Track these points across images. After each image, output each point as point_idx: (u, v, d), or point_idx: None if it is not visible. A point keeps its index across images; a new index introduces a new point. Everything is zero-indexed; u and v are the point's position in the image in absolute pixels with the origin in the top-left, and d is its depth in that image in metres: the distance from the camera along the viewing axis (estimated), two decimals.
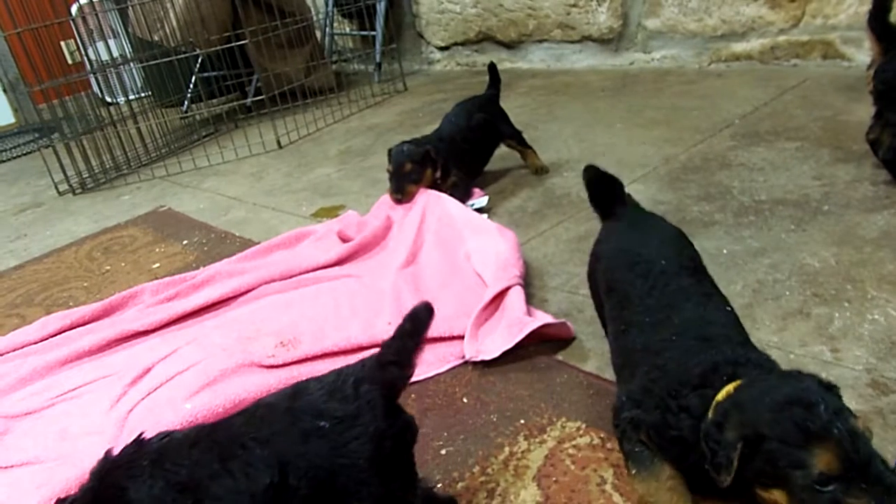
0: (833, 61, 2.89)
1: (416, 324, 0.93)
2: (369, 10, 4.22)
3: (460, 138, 2.23)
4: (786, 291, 1.44)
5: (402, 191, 2.05)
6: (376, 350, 0.94)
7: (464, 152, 2.22)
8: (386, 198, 2.11)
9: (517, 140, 2.39)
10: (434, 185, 2.13)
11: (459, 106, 2.35)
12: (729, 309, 1.04)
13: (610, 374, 1.20)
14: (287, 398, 0.90)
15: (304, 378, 1.35)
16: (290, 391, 0.92)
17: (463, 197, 2.16)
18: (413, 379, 1.35)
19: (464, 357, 1.42)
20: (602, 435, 1.14)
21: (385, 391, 0.89)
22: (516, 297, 1.50)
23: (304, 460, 0.83)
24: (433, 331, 1.49)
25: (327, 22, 4.67)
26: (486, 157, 2.38)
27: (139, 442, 0.88)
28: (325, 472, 0.83)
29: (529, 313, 1.45)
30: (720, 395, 0.82)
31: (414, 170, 2.05)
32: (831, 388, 0.80)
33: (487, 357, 1.38)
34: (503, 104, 2.43)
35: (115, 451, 0.88)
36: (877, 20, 1.75)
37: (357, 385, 0.88)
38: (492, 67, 2.41)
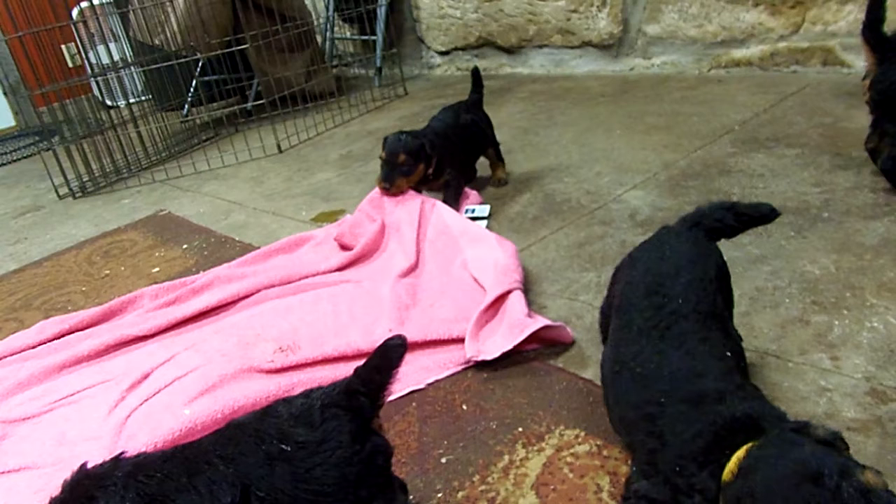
0: (833, 68, 2.90)
1: (385, 360, 0.91)
2: (370, 15, 4.23)
3: (451, 134, 2.23)
4: (785, 299, 1.44)
5: (391, 181, 2.02)
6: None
7: (455, 149, 2.21)
8: (374, 194, 2.07)
9: (496, 150, 2.39)
10: (425, 182, 2.12)
11: (446, 109, 2.36)
12: (729, 353, 1.01)
13: None
14: (256, 419, 0.90)
15: (303, 384, 1.37)
16: (260, 412, 0.92)
17: (455, 196, 2.15)
18: (414, 386, 1.37)
19: (463, 363, 1.42)
20: (599, 442, 1.14)
21: (352, 417, 0.88)
22: (517, 300, 1.51)
23: (267, 483, 0.83)
24: (432, 333, 1.50)
25: (328, 26, 4.68)
26: (474, 159, 2.39)
27: (117, 458, 0.89)
28: (288, 496, 0.83)
29: (530, 316, 1.45)
30: (726, 475, 0.81)
31: (407, 162, 2.02)
32: (833, 443, 0.78)
33: (488, 357, 1.38)
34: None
35: (90, 465, 0.89)
36: (871, 30, 1.74)
37: (323, 410, 0.88)
38: (475, 72, 2.42)
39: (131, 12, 3.71)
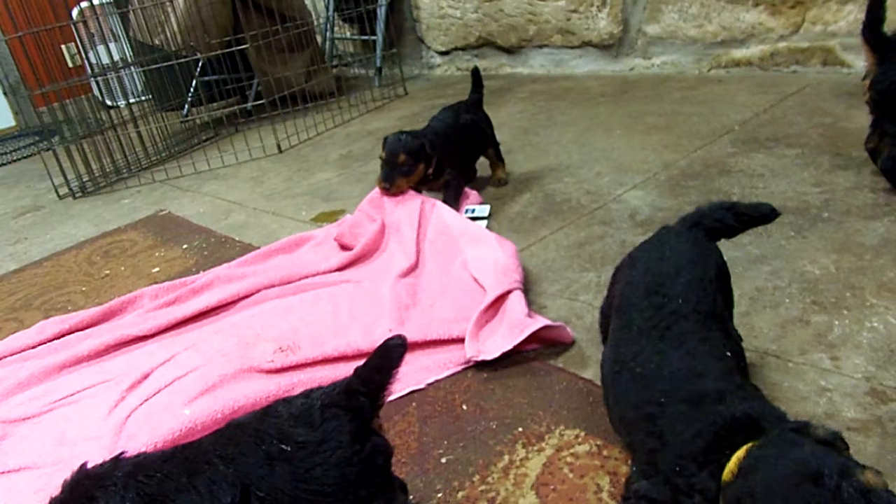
0: (833, 68, 2.90)
1: (386, 360, 0.91)
2: (370, 15, 4.23)
3: (451, 134, 2.23)
4: (785, 299, 1.44)
5: (391, 181, 2.02)
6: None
7: (455, 149, 2.21)
8: (374, 194, 2.07)
9: (496, 150, 2.39)
10: (425, 182, 2.13)
11: (447, 109, 2.36)
12: (729, 353, 1.01)
13: None
14: (256, 419, 0.90)
15: (303, 384, 1.37)
16: (260, 412, 0.92)
17: (455, 196, 2.15)
18: (414, 386, 1.37)
19: (463, 363, 1.42)
20: (599, 442, 1.14)
21: (352, 417, 0.88)
22: (517, 300, 1.51)
23: (267, 483, 0.83)
24: (432, 333, 1.50)
25: (328, 26, 4.68)
26: (474, 159, 2.39)
27: (117, 458, 0.89)
28: (288, 496, 0.83)
29: (530, 316, 1.45)
30: (726, 475, 0.81)
31: (407, 162, 2.02)
32: (833, 443, 0.78)
33: (488, 357, 1.38)
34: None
35: (90, 465, 0.89)
36: (871, 30, 1.74)
37: (323, 410, 0.88)
38: (475, 72, 2.42)
39: (131, 12, 3.71)
